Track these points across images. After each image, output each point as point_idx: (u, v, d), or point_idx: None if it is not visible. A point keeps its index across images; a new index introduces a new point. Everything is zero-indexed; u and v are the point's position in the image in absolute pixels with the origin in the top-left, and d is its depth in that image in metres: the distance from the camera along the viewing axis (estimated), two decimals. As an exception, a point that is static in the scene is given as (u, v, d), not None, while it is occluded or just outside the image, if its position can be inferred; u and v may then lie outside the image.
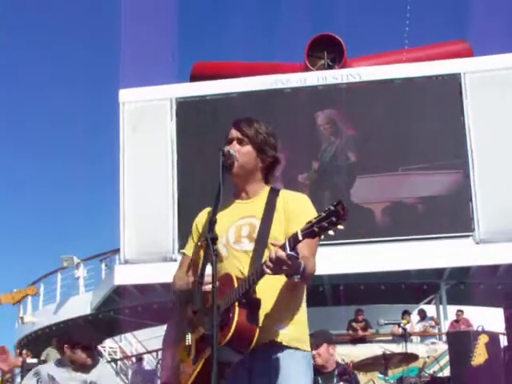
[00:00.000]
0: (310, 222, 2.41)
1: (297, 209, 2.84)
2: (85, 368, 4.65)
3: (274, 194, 2.91)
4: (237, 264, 2.77)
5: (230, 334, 2.53)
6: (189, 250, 3.05)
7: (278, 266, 2.45)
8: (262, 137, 2.93)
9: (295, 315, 2.80)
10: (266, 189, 2.96)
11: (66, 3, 44.04)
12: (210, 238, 2.57)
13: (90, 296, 17.56)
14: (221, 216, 2.72)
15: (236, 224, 2.86)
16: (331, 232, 2.37)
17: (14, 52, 45.34)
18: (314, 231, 2.39)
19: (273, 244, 2.56)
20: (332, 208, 2.34)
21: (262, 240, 2.76)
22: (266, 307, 2.69)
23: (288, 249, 2.43)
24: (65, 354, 4.68)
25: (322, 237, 2.43)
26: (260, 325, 2.62)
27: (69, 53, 45.48)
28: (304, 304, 2.87)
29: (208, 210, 3.02)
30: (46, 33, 46.98)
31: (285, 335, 2.73)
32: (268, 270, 2.47)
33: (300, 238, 2.43)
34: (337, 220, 2.33)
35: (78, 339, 4.65)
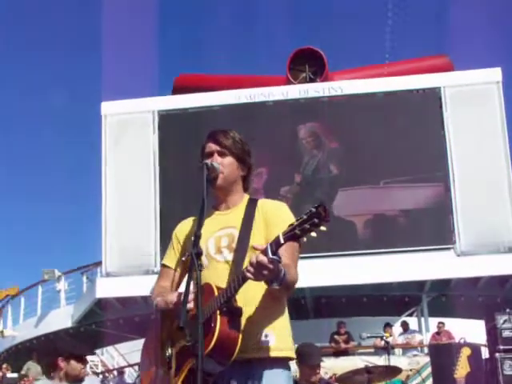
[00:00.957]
0: (291, 224, 2.43)
1: (276, 215, 2.85)
2: (78, 380, 4.62)
3: (252, 204, 2.92)
4: (217, 274, 2.77)
5: (213, 342, 2.51)
6: (168, 260, 3.04)
7: (258, 271, 2.44)
8: (240, 145, 2.96)
9: (278, 324, 2.78)
10: (245, 199, 2.98)
11: (42, 16, 43.94)
12: (194, 253, 2.57)
13: (72, 309, 17.43)
14: None
15: (215, 235, 2.87)
16: (314, 234, 2.39)
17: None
18: (295, 234, 2.40)
19: (254, 247, 2.56)
20: (313, 210, 2.37)
21: (241, 250, 2.76)
22: (248, 317, 2.68)
23: (270, 253, 2.44)
24: (57, 367, 4.62)
25: (304, 239, 2.42)
26: (242, 331, 2.60)
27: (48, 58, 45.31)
28: (286, 313, 2.87)
29: (189, 220, 3.03)
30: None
31: (268, 348, 2.72)
32: (249, 275, 2.47)
33: (282, 241, 2.43)
34: (319, 221, 2.35)
35: (71, 350, 4.63)
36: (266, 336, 2.74)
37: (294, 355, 2.85)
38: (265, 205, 2.92)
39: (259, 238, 2.79)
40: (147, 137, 15.13)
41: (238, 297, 2.62)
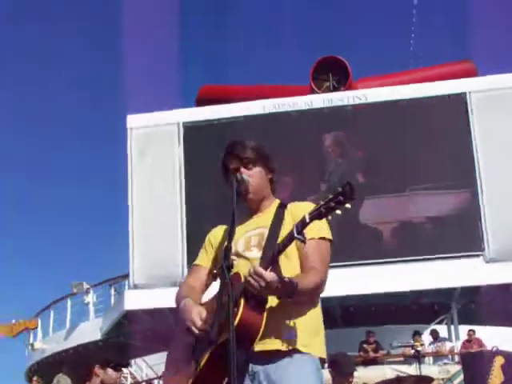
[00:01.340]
0: (317, 204, 2.45)
1: (304, 212, 2.85)
2: None
3: (282, 207, 2.93)
4: (246, 268, 2.70)
5: (236, 323, 2.47)
6: (200, 260, 3.04)
7: (257, 282, 2.45)
8: (259, 152, 2.96)
9: (302, 320, 2.74)
10: (275, 203, 2.99)
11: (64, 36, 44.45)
12: (226, 265, 2.56)
13: (100, 321, 17.53)
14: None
15: (245, 236, 2.88)
16: (339, 211, 2.40)
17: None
18: (321, 212, 2.42)
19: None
20: (340, 190, 2.39)
21: (269, 247, 2.74)
22: (273, 308, 2.63)
23: (295, 233, 2.46)
24: (93, 375, 4.63)
25: (330, 217, 2.44)
26: (266, 321, 2.56)
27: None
28: (315, 309, 2.82)
29: (222, 228, 3.03)
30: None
31: (290, 341, 2.69)
32: (248, 286, 2.48)
33: (307, 220, 2.45)
34: (344, 199, 2.38)
35: (108, 358, 4.66)
36: (290, 331, 2.70)
37: (322, 355, 2.80)
38: (294, 206, 2.93)
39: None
40: (173, 149, 15.20)
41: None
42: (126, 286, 16.23)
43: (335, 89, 16.18)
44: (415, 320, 15.79)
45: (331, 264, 2.81)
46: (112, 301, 18.25)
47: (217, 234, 3.05)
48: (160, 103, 16.39)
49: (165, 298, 13.47)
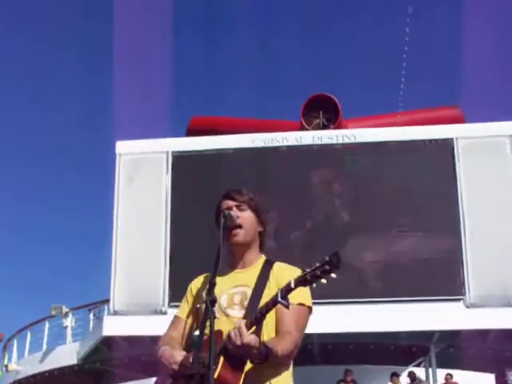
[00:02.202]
0: (303, 271, 2.49)
1: (288, 277, 2.89)
2: None
3: (268, 265, 2.95)
4: (227, 327, 2.77)
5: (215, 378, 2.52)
6: (181, 311, 3.08)
7: (237, 340, 2.50)
8: (256, 201, 3.01)
9: (277, 380, 2.79)
10: (261, 259, 3.01)
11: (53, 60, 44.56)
12: (209, 300, 2.60)
13: (78, 346, 17.36)
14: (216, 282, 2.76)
15: (229, 292, 2.90)
16: (324, 281, 2.43)
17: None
18: (306, 279, 2.46)
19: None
20: (327, 259, 2.43)
21: (252, 307, 2.79)
22: (251, 367, 2.68)
23: (280, 297, 2.50)
24: None
25: (314, 285, 2.48)
26: (244, 380, 2.62)
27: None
28: (288, 371, 2.87)
29: (204, 275, 3.07)
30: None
31: None
32: (229, 343, 2.53)
33: (292, 285, 2.49)
34: (330, 269, 2.41)
35: None
36: None
37: None
38: (280, 268, 2.95)
39: (269, 298, 2.82)
40: (160, 177, 15.23)
41: None
42: (106, 312, 16.14)
43: (325, 126, 16.33)
44: (393, 361, 15.78)
45: (312, 300, 2.88)
46: (91, 325, 18.11)
47: (198, 283, 3.08)
48: (150, 131, 16.44)
49: (145, 326, 13.48)
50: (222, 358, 2.59)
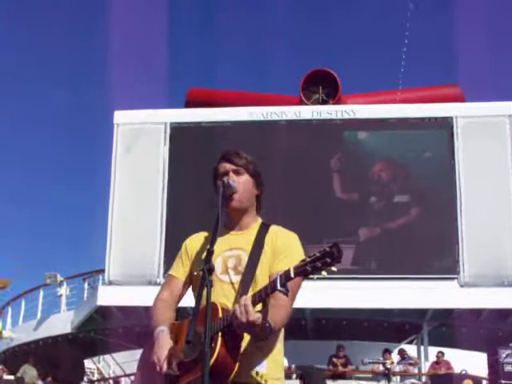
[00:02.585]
0: (303, 260, 2.44)
1: (285, 248, 2.85)
2: None
3: (264, 229, 2.92)
4: (222, 294, 2.77)
5: (212, 362, 2.50)
6: (175, 271, 3.02)
7: (242, 317, 2.47)
8: (253, 165, 2.97)
9: (272, 354, 2.79)
10: (258, 222, 2.98)
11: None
12: (206, 268, 2.56)
13: (72, 315, 17.40)
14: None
15: (223, 255, 2.87)
16: (324, 273, 2.40)
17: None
18: (306, 270, 2.41)
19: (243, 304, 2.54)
20: (327, 249, 2.37)
21: (248, 275, 2.77)
22: (247, 343, 2.68)
23: (279, 285, 2.46)
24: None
25: (315, 277, 2.44)
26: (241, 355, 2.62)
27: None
28: (281, 343, 2.87)
29: (200, 235, 3.03)
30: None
31: (262, 375, 2.74)
32: (234, 320, 2.50)
33: (292, 275, 2.44)
34: (331, 261, 2.36)
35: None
36: (260, 363, 2.75)
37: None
38: (277, 233, 2.92)
39: (266, 266, 2.81)
40: (158, 148, 15.18)
41: None
42: (101, 281, 16.17)
43: (324, 101, 16.25)
44: (386, 338, 15.86)
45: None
46: (85, 295, 18.15)
47: (195, 242, 3.03)
48: (147, 101, 16.35)
49: (139, 297, 13.48)
50: (220, 338, 2.57)
